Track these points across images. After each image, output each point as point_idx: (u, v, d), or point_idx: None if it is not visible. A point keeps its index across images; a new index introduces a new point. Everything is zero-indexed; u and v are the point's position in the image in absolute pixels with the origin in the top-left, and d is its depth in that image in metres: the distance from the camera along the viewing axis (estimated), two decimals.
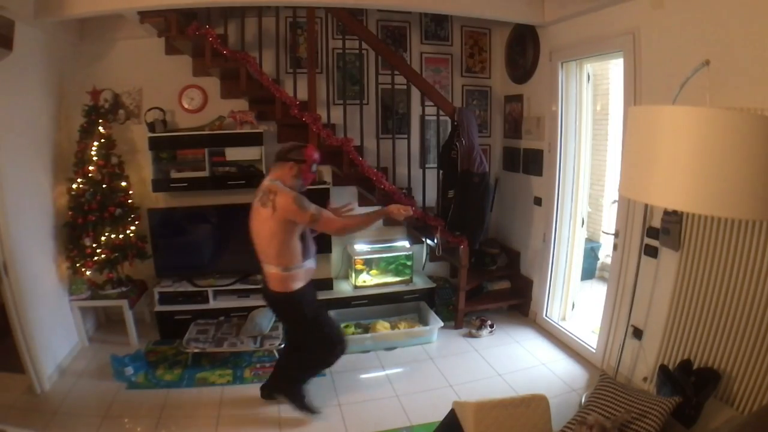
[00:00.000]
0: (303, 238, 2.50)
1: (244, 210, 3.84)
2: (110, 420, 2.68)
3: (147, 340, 3.60)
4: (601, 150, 4.85)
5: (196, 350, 3.24)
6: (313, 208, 2.38)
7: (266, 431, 2.64)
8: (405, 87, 3.99)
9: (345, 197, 4.10)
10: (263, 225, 2.41)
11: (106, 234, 3.37)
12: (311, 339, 2.64)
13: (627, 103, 2.85)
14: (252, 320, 3.43)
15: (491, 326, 3.79)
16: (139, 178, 3.76)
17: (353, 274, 4.02)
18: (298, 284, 2.48)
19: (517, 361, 3.36)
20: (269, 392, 2.84)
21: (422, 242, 4.12)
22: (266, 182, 2.47)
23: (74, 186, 3.33)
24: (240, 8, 3.59)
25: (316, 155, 2.49)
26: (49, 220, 3.30)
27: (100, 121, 3.42)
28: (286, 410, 2.78)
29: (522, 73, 4.09)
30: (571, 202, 3.66)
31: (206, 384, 3.07)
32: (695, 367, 2.29)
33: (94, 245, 3.34)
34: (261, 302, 3.68)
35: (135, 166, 3.76)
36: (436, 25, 4.31)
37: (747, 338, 2.09)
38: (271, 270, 2.46)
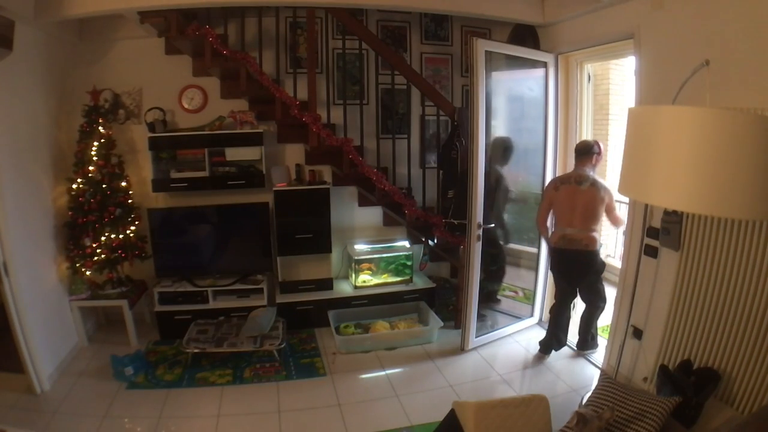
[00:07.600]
0: None
1: (245, 210, 3.94)
2: (110, 420, 2.68)
3: (147, 340, 3.60)
4: None
5: (196, 350, 3.24)
6: None
7: (265, 431, 2.65)
8: (405, 87, 3.99)
9: (345, 197, 4.12)
10: (592, 201, 3.06)
11: (106, 234, 3.37)
12: (602, 286, 3.29)
13: (636, 102, 2.83)
14: (252, 320, 3.43)
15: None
16: (139, 178, 3.77)
17: (353, 274, 4.02)
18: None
19: (517, 361, 3.37)
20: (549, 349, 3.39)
21: (422, 242, 4.12)
22: (578, 171, 3.13)
23: (74, 186, 3.33)
24: (240, 8, 3.59)
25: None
26: (49, 220, 3.30)
27: (100, 121, 3.42)
28: (285, 409, 2.79)
29: None
30: None
31: (206, 384, 3.07)
32: (695, 367, 2.29)
33: (94, 245, 3.34)
34: (261, 302, 3.73)
35: (135, 166, 3.76)
36: (436, 25, 4.31)
37: (747, 338, 2.09)
38: (593, 234, 3.11)
